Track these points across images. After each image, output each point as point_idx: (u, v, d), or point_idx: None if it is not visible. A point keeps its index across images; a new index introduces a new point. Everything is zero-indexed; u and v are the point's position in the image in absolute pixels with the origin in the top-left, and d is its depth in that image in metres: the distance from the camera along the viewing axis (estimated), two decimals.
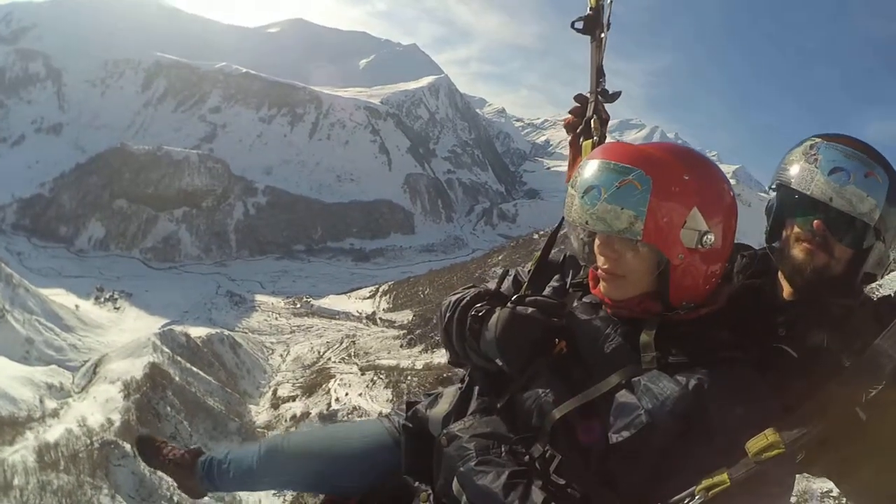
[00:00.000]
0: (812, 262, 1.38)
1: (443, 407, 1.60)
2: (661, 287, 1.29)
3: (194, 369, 52.66)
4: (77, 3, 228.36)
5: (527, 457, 1.29)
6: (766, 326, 1.42)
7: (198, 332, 68.47)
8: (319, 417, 51.32)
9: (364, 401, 54.95)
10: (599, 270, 1.34)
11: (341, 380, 62.25)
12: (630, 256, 1.27)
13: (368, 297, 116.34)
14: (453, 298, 1.58)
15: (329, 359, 76.44)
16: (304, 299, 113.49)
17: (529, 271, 1.63)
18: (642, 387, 1.21)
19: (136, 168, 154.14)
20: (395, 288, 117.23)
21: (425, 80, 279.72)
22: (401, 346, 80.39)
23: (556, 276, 1.59)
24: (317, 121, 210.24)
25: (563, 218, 1.54)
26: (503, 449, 1.31)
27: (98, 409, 38.85)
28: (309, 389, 61.80)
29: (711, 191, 1.28)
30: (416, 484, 1.57)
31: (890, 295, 1.46)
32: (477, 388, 1.53)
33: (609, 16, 1.94)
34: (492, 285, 1.67)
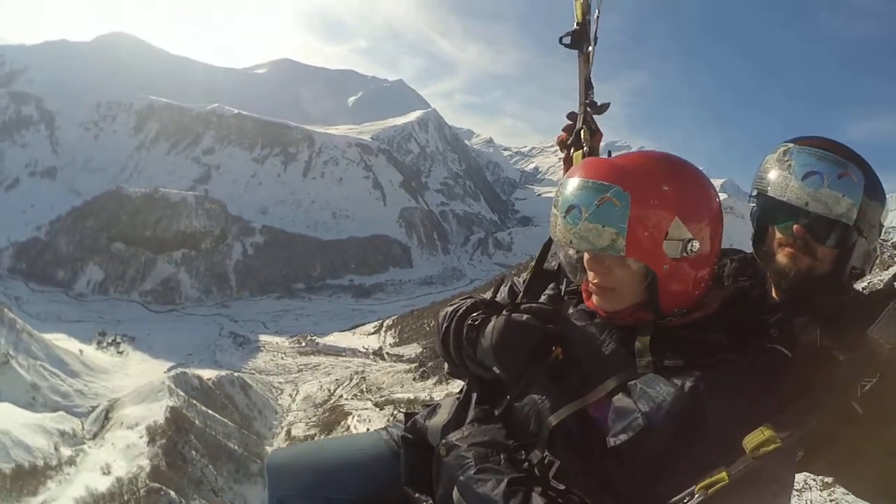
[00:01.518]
0: (796, 265, 1.40)
1: (441, 417, 1.59)
2: (651, 297, 1.30)
3: (210, 412, 51.03)
4: (68, 45, 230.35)
5: (526, 463, 1.29)
6: (759, 328, 1.42)
7: (208, 374, 66.66)
8: None
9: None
10: (590, 285, 1.36)
11: (359, 416, 60.37)
12: (618, 270, 1.29)
13: (373, 333, 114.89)
14: (450, 309, 1.60)
15: (341, 396, 74.51)
16: (309, 337, 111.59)
17: (525, 280, 1.64)
18: (638, 391, 1.22)
19: (132, 211, 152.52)
20: (400, 322, 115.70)
21: (414, 115, 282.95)
22: (413, 379, 78.79)
23: (552, 285, 1.60)
24: (310, 159, 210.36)
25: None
26: (502, 456, 1.31)
27: (119, 455, 37.25)
28: (327, 427, 60.00)
29: (692, 197, 1.29)
30: (417, 495, 1.55)
31: (880, 289, 1.45)
32: (475, 397, 1.53)
33: (596, 30, 1.97)
34: (487, 295, 1.70)
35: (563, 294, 1.55)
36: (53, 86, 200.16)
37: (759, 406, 1.18)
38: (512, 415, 1.39)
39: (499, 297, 1.68)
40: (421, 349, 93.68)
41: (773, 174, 1.43)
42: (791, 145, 1.43)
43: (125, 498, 28.83)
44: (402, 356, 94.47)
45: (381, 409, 62.79)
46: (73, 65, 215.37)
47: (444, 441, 1.45)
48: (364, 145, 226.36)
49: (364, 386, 77.43)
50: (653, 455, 1.18)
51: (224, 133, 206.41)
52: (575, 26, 1.99)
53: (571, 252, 1.45)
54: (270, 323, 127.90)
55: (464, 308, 1.55)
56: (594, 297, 1.36)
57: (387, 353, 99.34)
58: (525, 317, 1.36)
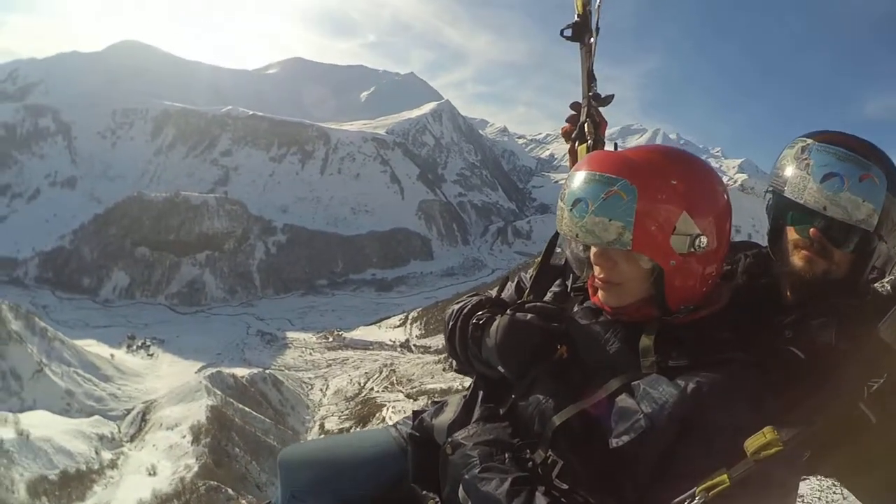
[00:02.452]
0: (811, 268, 1.35)
1: (448, 415, 1.60)
2: (658, 293, 1.29)
3: (247, 409, 50.79)
4: (80, 56, 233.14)
5: (530, 463, 1.29)
6: (772, 327, 1.38)
7: (240, 372, 66.61)
8: None
9: None
10: (596, 280, 1.35)
11: (394, 407, 60.00)
12: (624, 265, 1.28)
13: (399, 326, 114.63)
14: (456, 307, 1.61)
15: (371, 389, 74.41)
16: (336, 333, 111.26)
17: (531, 276, 1.63)
18: (642, 391, 1.21)
19: (154, 215, 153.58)
20: (425, 314, 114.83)
21: (427, 107, 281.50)
22: (444, 369, 77.96)
23: (558, 281, 1.60)
24: (326, 156, 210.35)
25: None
26: (506, 455, 1.31)
27: (163, 456, 37.02)
28: (362, 420, 59.62)
29: (701, 192, 1.27)
30: (424, 492, 1.55)
31: (892, 287, 1.39)
32: (481, 396, 1.54)
33: (597, 21, 1.94)
34: (494, 292, 1.69)
35: (569, 290, 1.55)
36: (68, 96, 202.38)
37: (763, 408, 1.17)
38: (517, 414, 1.39)
39: (505, 294, 1.68)
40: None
41: (790, 172, 1.36)
42: (810, 141, 1.36)
43: (187, 497, 28.34)
44: (430, 347, 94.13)
45: (414, 400, 62.20)
46: (86, 75, 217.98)
47: (449, 439, 1.45)
48: (379, 140, 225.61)
49: (394, 378, 77.10)
50: (655, 456, 1.18)
51: (240, 135, 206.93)
52: (576, 18, 1.97)
53: (577, 246, 1.45)
54: (296, 320, 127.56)
55: (469, 306, 1.55)
56: (599, 293, 1.36)
57: (414, 346, 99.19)
58: (529, 316, 1.36)
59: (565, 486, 1.21)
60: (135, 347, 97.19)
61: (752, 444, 1.07)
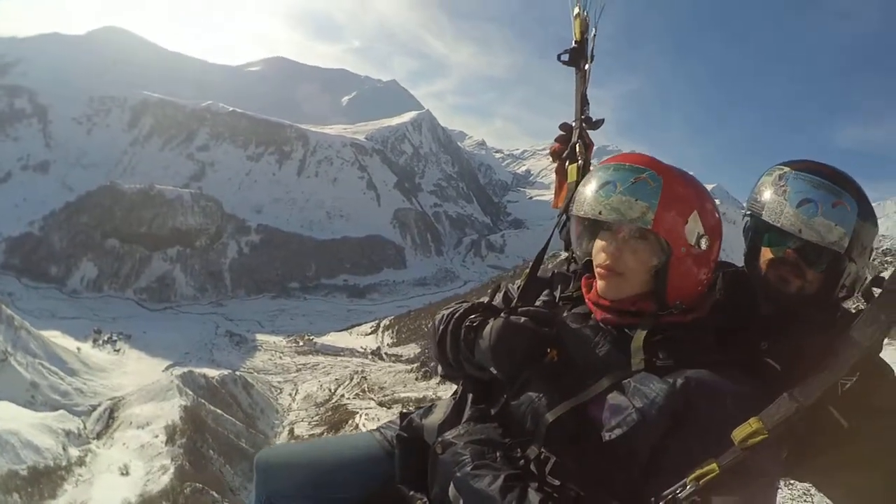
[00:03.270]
0: (786, 286, 1.46)
1: (437, 416, 1.61)
2: (659, 286, 1.36)
3: (219, 411, 50.12)
4: (61, 39, 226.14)
5: (522, 460, 1.31)
6: (748, 340, 1.45)
7: (210, 373, 65.58)
8: None
9: None
10: (599, 269, 1.40)
11: (366, 415, 59.71)
12: (630, 255, 1.35)
13: (370, 333, 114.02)
14: (446, 312, 1.63)
15: (342, 395, 73.22)
16: (307, 337, 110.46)
17: (519, 287, 1.67)
18: (632, 388, 1.26)
19: (127, 207, 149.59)
20: (397, 322, 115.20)
21: (408, 116, 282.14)
22: (416, 378, 78.07)
23: (546, 292, 1.65)
24: (304, 158, 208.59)
25: (549, 238, 1.72)
26: (498, 454, 1.33)
27: (135, 455, 36.15)
28: (334, 426, 59.00)
29: (706, 202, 1.39)
30: (411, 493, 1.57)
31: (880, 277, 1.45)
32: (470, 397, 1.56)
33: (593, 48, 2.03)
34: (484, 299, 1.72)
35: (557, 300, 1.59)
36: (46, 79, 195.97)
37: (748, 399, 1.22)
38: (508, 414, 1.41)
39: (495, 302, 1.70)
40: (419, 349, 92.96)
41: (767, 197, 1.46)
42: (787, 169, 1.46)
43: (174, 498, 27.90)
44: (401, 356, 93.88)
45: (388, 409, 62.03)
46: (66, 58, 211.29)
47: (440, 439, 1.46)
48: (358, 145, 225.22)
49: (365, 385, 76.03)
50: (646, 448, 1.22)
51: (218, 130, 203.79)
52: (573, 44, 2.04)
53: (585, 241, 1.53)
54: (266, 322, 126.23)
55: (461, 310, 1.57)
56: (600, 284, 1.42)
57: (385, 354, 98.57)
58: (522, 319, 1.38)
59: (558, 482, 1.23)
60: (101, 342, 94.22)
61: (739, 433, 1.13)
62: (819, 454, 1.31)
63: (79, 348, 79.46)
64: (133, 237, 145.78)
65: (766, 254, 1.50)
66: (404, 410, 1.81)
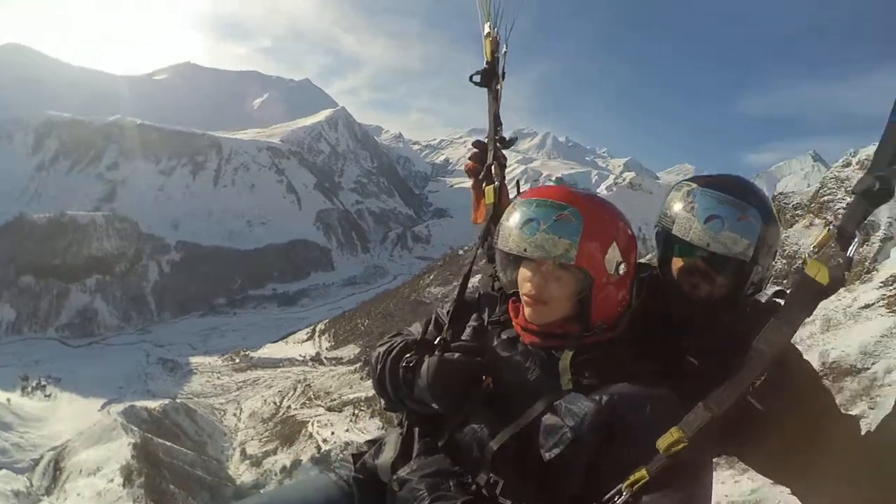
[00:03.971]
0: (697, 292, 1.58)
1: (388, 454, 1.65)
2: (583, 310, 1.44)
3: (167, 444, 49.46)
4: None
5: (474, 486, 1.40)
6: (667, 342, 1.55)
7: (150, 404, 63.95)
8: (313, 461, 49.70)
9: (354, 435, 52.81)
10: (525, 297, 1.47)
11: (318, 421, 59.54)
12: (553, 285, 1.42)
13: (307, 340, 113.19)
14: (382, 350, 1.67)
15: (289, 407, 72.97)
16: (243, 353, 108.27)
17: (448, 312, 1.71)
18: (564, 409, 1.34)
19: (39, 238, 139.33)
20: (332, 325, 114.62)
21: (323, 114, 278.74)
22: (361, 378, 78.91)
23: (474, 316, 1.69)
24: (219, 167, 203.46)
25: (471, 262, 1.79)
26: (451, 483, 1.41)
27: None
28: (287, 440, 59.24)
29: (623, 232, 1.46)
30: None
31: (776, 301, 1.59)
32: (417, 431, 1.61)
33: (503, 66, 2.05)
34: (416, 328, 1.79)
35: (486, 324, 1.65)
36: None
37: (668, 408, 1.32)
38: (454, 444, 1.48)
39: (428, 334, 1.75)
40: (359, 349, 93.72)
41: (677, 213, 1.58)
42: (694, 186, 1.58)
43: None
44: (342, 359, 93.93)
45: (339, 412, 62.74)
46: None
47: (395, 477, 1.53)
48: (274, 149, 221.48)
49: (311, 393, 76.01)
50: (583, 463, 1.30)
51: (128, 146, 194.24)
52: (485, 65, 2.05)
53: (509, 270, 1.57)
54: (198, 343, 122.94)
55: (396, 350, 1.62)
56: (527, 311, 1.48)
57: (325, 358, 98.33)
58: (456, 355, 1.45)
59: (509, 502, 1.33)
60: (30, 389, 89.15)
61: (662, 443, 1.24)
62: (740, 432, 1.42)
63: (8, 399, 75.05)
64: (48, 270, 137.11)
65: (678, 263, 1.61)
66: (355, 452, 1.84)
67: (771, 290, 1.58)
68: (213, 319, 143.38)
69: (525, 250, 1.39)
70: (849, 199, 1.18)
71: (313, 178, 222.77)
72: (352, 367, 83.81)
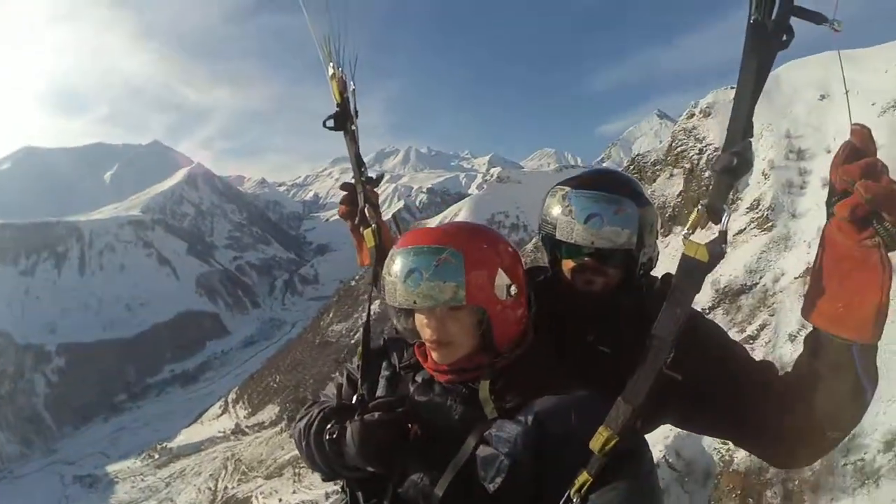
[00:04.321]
0: (592, 286, 1.68)
1: None
2: (487, 339, 1.45)
3: None
4: None
5: None
6: (574, 337, 1.64)
7: None
8: None
9: (302, 495, 53.72)
10: (428, 343, 1.47)
11: (262, 493, 60.06)
12: (452, 324, 1.42)
13: (222, 414, 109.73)
14: (301, 426, 1.65)
15: (226, 488, 71.95)
16: (160, 447, 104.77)
17: (359, 367, 1.71)
18: (494, 437, 1.36)
19: None
20: (244, 392, 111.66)
21: (179, 175, 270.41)
22: (290, 437, 79.29)
23: (384, 364, 1.69)
24: (83, 254, 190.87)
25: (368, 310, 1.83)
26: None
27: None
28: None
29: (504, 252, 1.48)
30: None
31: (669, 273, 1.62)
32: (360, 495, 1.60)
33: (355, 104, 2.01)
34: (330, 390, 1.80)
35: (398, 370, 1.65)
36: None
37: (588, 408, 1.36)
38: (400, 500, 1.48)
39: (344, 395, 1.75)
40: (279, 408, 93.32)
41: (557, 218, 1.66)
42: (568, 189, 1.67)
43: None
44: (264, 423, 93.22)
45: (280, 476, 62.20)
46: None
47: None
48: (136, 221, 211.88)
49: (243, 467, 75.71)
50: (527, 484, 1.34)
51: None
52: (335, 107, 2.01)
53: (403, 319, 1.57)
54: (110, 449, 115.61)
55: (316, 422, 1.60)
56: (433, 354, 1.48)
57: (246, 427, 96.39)
58: (377, 414, 1.44)
59: None
60: None
61: (595, 444, 1.27)
62: (667, 405, 1.50)
63: None
64: None
65: (567, 264, 1.69)
66: None
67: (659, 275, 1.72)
68: (118, 420, 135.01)
69: (415, 303, 1.38)
70: (712, 177, 1.18)
71: (183, 243, 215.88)
72: (277, 429, 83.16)
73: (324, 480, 1.70)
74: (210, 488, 75.04)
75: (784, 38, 1.10)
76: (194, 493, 76.96)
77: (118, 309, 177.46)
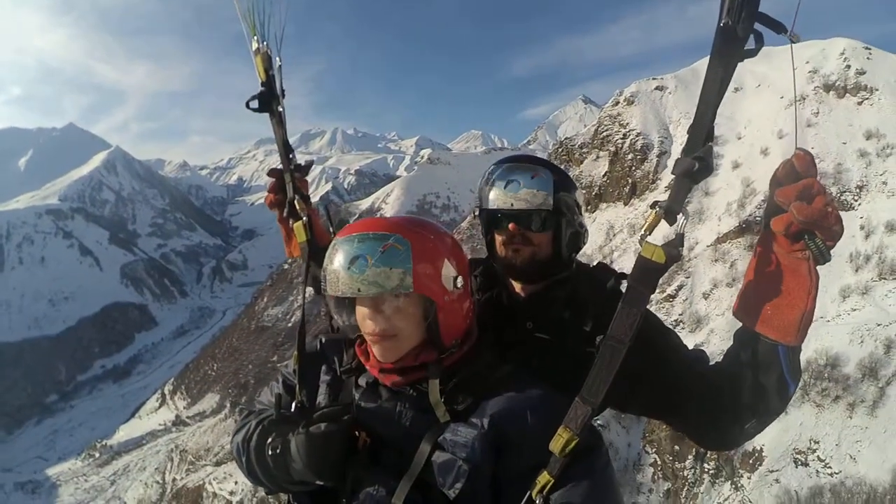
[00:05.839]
0: (520, 256, 1.71)
1: None
2: (433, 333, 1.40)
3: None
4: None
5: None
6: (515, 326, 1.70)
7: None
8: None
9: None
10: (371, 337, 1.41)
11: (215, 478, 58.74)
12: (396, 317, 1.37)
13: (160, 407, 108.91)
14: (239, 439, 1.56)
15: (174, 480, 71.67)
16: (99, 445, 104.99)
17: (295, 371, 1.62)
18: (449, 442, 1.33)
19: None
20: (181, 382, 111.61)
21: (98, 159, 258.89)
22: (235, 421, 78.79)
23: (324, 368, 1.62)
24: (1, 248, 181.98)
25: (304, 311, 1.72)
26: None
27: None
28: None
29: (450, 245, 1.46)
30: None
31: (601, 261, 1.87)
32: None
33: (281, 83, 1.88)
34: (266, 397, 1.70)
35: (339, 374, 1.58)
36: None
37: (548, 410, 1.35)
38: None
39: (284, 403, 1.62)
40: (219, 396, 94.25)
41: (482, 190, 1.78)
42: (493, 167, 1.79)
43: None
44: (205, 412, 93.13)
45: (233, 460, 64.08)
46: None
47: None
48: (55, 211, 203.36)
49: (190, 457, 75.42)
50: (487, 488, 1.31)
51: None
52: (260, 87, 1.87)
53: (345, 315, 1.52)
54: (47, 452, 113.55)
55: (256, 435, 1.51)
56: (376, 350, 1.42)
57: (187, 418, 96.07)
58: (323, 425, 1.37)
59: None
60: None
61: (555, 445, 1.26)
62: (611, 395, 1.41)
63: None
64: None
65: (497, 238, 1.76)
66: None
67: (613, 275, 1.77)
68: (52, 422, 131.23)
69: (359, 290, 1.32)
70: (671, 181, 1.25)
71: (105, 232, 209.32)
72: (221, 416, 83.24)
73: (268, 494, 1.60)
74: (158, 482, 75.26)
75: (755, 45, 1.13)
76: (142, 488, 76.77)
77: (42, 305, 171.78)
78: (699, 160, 1.21)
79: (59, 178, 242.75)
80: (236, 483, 52.86)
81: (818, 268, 1.22)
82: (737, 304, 1.34)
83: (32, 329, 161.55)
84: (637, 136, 49.40)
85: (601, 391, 1.28)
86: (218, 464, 63.55)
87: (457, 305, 1.44)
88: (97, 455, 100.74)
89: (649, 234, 1.31)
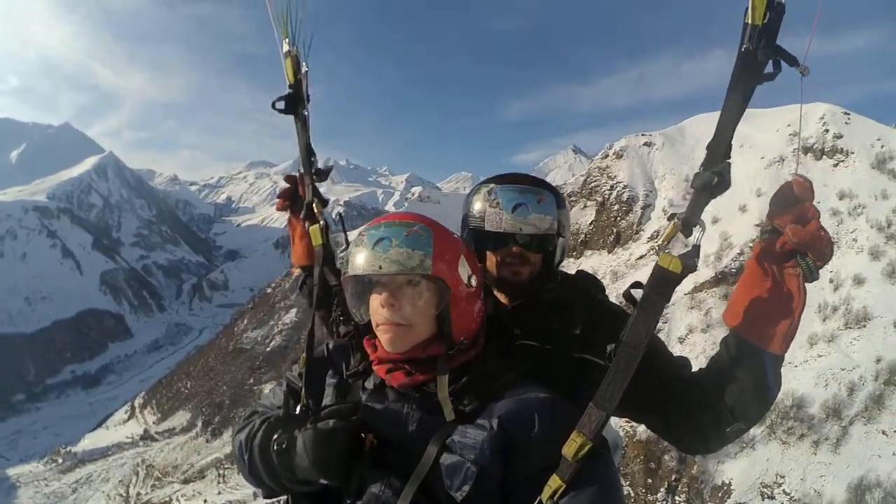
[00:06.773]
0: (519, 277, 1.75)
1: None
2: (443, 325, 1.42)
3: None
4: None
5: None
6: (507, 334, 1.67)
7: None
8: None
9: (228, 495, 51.74)
10: (382, 325, 1.42)
11: (183, 496, 57.15)
12: (410, 305, 1.39)
13: (129, 419, 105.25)
14: (242, 437, 1.55)
15: (139, 494, 67.23)
16: (63, 451, 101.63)
17: (301, 375, 1.64)
18: (458, 444, 1.32)
19: None
20: (152, 396, 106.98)
21: (89, 162, 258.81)
22: (206, 441, 74.12)
23: (330, 372, 1.63)
24: None
25: (314, 316, 1.75)
26: None
27: None
28: None
29: (464, 247, 1.51)
30: None
31: (582, 269, 1.90)
32: None
33: (307, 88, 1.90)
34: (268, 400, 1.72)
35: (345, 377, 1.58)
36: None
37: (556, 414, 1.36)
38: None
39: (286, 402, 1.67)
40: (190, 414, 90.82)
41: (484, 211, 1.75)
42: (492, 185, 1.77)
43: None
44: (174, 429, 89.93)
45: (202, 479, 60.45)
46: None
47: None
48: (42, 208, 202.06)
49: (156, 473, 71.99)
50: (495, 490, 1.30)
51: None
52: (288, 89, 1.90)
53: (362, 309, 1.51)
54: (8, 452, 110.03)
55: (261, 433, 1.50)
56: (385, 339, 1.43)
57: (156, 433, 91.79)
58: (331, 422, 1.36)
59: None
60: None
61: (568, 450, 1.26)
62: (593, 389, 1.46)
63: None
64: None
65: (494, 257, 1.76)
66: None
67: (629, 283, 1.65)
68: (16, 421, 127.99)
69: (380, 267, 1.37)
70: (690, 194, 1.30)
71: (89, 236, 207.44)
72: (191, 434, 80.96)
73: (266, 497, 1.57)
74: (121, 495, 71.05)
75: (772, 69, 1.19)
76: (104, 500, 75.30)
77: (17, 301, 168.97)
78: (718, 175, 1.24)
79: (49, 175, 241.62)
80: (205, 502, 52.54)
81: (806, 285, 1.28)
82: (727, 312, 1.38)
83: (6, 325, 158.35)
84: (624, 188, 52.39)
85: (616, 397, 1.29)
86: (186, 481, 61.78)
87: (469, 302, 1.46)
88: (60, 461, 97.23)
89: (667, 245, 1.33)
